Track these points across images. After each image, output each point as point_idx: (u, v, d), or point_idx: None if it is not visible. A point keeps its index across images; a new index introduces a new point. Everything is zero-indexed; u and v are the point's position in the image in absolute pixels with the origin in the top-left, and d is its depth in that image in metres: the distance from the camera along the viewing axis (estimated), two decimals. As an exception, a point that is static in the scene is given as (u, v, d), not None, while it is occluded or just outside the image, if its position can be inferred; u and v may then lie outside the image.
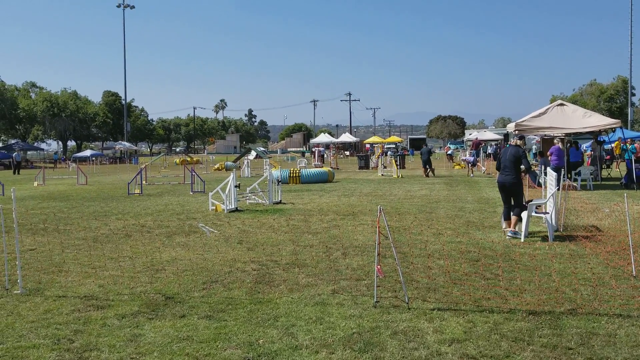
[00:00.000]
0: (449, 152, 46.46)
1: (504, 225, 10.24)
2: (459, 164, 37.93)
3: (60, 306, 6.18)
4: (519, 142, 10.29)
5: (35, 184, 26.71)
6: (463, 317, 5.59)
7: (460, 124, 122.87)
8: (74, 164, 41.68)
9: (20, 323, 5.65)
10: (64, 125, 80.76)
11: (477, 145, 44.24)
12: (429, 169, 27.73)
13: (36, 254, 9.03)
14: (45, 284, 7.12)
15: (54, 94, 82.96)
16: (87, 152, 71.44)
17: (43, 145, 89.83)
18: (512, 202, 10.07)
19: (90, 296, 6.56)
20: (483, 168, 31.36)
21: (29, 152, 74.21)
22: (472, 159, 29.19)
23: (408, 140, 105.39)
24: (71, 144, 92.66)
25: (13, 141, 74.43)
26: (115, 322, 5.62)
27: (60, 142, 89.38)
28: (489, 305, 5.93)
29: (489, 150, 44.48)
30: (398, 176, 27.37)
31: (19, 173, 39.92)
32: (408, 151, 69.00)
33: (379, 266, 6.01)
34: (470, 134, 66.13)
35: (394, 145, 66.44)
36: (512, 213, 9.94)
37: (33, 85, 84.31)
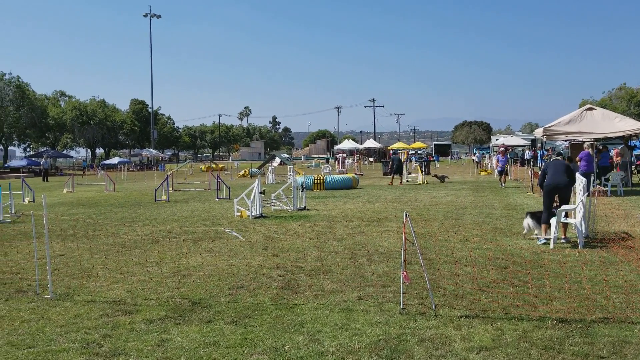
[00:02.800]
0: (476, 157, 45.83)
1: (541, 230, 9.94)
2: (485, 170, 37.53)
3: (89, 311, 6.27)
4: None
5: (65, 190, 27.20)
6: (491, 324, 5.51)
7: (486, 130, 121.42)
8: (102, 171, 42.34)
9: (51, 327, 5.74)
10: (93, 133, 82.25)
11: (505, 151, 42.62)
12: (398, 177, 27.19)
13: (66, 260, 9.18)
14: (74, 289, 7.23)
15: (83, 103, 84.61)
16: (115, 160, 72.74)
17: (72, 153, 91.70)
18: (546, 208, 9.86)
19: (119, 301, 6.64)
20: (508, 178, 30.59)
21: (58, 160, 75.70)
22: (502, 166, 25.22)
23: (433, 146, 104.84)
24: (99, 151, 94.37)
25: (43, 149, 75.99)
26: (143, 327, 5.67)
27: (88, 150, 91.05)
28: (518, 312, 5.83)
29: (527, 156, 40.65)
30: (423, 182, 27.19)
31: (47, 180, 40.68)
32: (433, 157, 68.63)
33: (405, 272, 5.96)
34: (496, 140, 65.31)
35: (415, 151, 66.13)
36: (542, 220, 9.75)
37: (62, 94, 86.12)
